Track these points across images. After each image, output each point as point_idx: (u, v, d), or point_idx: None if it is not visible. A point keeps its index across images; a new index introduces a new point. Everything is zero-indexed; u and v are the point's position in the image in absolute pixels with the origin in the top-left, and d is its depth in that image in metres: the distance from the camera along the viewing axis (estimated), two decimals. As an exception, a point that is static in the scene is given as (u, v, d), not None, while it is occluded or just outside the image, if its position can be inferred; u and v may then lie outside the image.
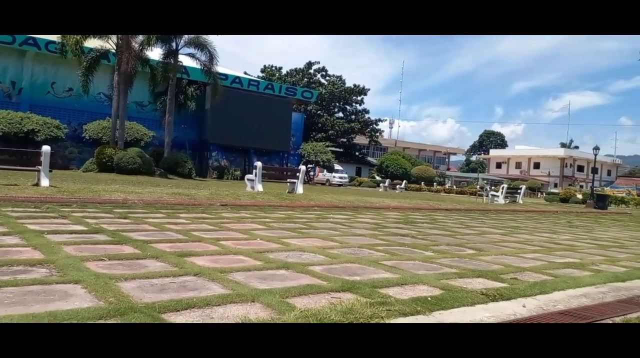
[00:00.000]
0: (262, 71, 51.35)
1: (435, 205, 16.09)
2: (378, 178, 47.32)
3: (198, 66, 24.34)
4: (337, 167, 41.43)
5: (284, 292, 3.50)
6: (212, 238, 5.90)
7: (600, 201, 25.45)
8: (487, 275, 4.74)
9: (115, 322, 2.66)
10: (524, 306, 3.69)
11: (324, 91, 48.99)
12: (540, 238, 8.95)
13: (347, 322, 2.87)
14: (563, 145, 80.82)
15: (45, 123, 22.25)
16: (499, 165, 77.61)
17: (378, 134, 56.26)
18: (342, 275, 4.25)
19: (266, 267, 4.41)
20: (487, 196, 23.34)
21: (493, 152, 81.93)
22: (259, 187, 14.44)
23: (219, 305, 3.11)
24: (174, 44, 23.14)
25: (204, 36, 23.17)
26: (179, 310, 2.94)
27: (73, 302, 2.95)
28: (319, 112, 50.05)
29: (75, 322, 2.60)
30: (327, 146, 38.87)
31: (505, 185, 24.55)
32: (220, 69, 25.67)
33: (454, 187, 48.39)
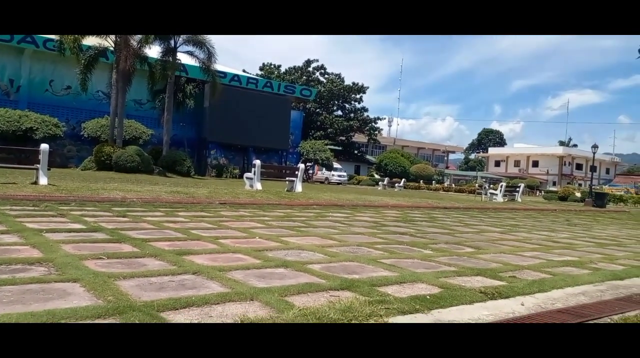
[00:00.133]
0: (261, 69, 51.23)
1: (434, 203, 16.11)
2: (377, 176, 47.41)
3: (197, 64, 24.25)
4: (336, 165, 41.38)
5: (282, 290, 3.50)
6: (211, 236, 5.90)
7: (599, 199, 25.51)
8: (485, 274, 4.74)
9: (113, 320, 2.66)
10: (522, 304, 3.70)
11: (322, 89, 48.89)
12: (539, 237, 8.96)
13: (346, 321, 2.87)
14: (562, 143, 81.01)
15: (43, 121, 22.18)
16: (497, 164, 77.64)
17: (377, 132, 56.20)
18: (341, 274, 4.25)
19: (265, 266, 4.41)
20: (485, 194, 23.37)
21: (492, 151, 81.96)
22: (258, 186, 14.45)
23: (217, 303, 3.11)
24: (172, 42, 23.06)
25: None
26: (177, 309, 2.94)
27: (72, 301, 2.95)
28: (317, 110, 49.97)
29: (74, 320, 2.59)
30: (326, 144, 38.79)
31: (504, 184, 24.53)
32: (218, 66, 25.60)
33: (453, 185, 48.38)
